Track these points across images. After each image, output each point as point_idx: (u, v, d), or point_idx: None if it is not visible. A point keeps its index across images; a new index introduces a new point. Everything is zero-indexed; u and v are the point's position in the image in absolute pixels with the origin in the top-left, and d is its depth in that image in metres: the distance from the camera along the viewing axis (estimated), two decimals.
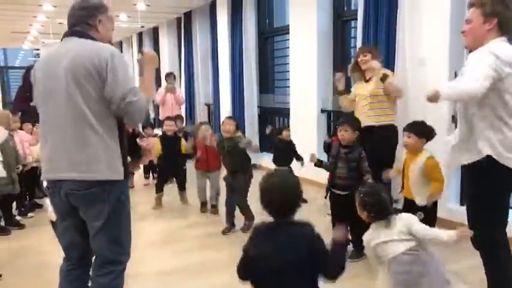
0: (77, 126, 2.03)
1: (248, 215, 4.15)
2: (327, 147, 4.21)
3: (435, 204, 3.12)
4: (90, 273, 2.25)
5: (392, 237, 2.24)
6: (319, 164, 3.64)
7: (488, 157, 2.25)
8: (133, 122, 2.18)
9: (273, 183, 1.77)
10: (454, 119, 3.69)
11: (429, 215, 2.98)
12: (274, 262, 1.65)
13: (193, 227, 4.38)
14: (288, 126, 5.56)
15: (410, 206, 3.07)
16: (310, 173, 4.96)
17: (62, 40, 2.16)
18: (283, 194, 1.74)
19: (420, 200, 3.06)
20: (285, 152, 4.88)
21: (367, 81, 3.96)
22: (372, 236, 2.32)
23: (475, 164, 2.32)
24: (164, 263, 3.50)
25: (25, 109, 5.17)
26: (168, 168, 5.13)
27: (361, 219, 3.31)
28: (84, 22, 2.14)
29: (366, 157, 3.37)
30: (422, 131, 3.14)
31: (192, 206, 5.03)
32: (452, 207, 4.04)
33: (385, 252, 2.26)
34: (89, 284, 2.27)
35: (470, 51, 2.35)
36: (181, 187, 5.22)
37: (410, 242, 2.23)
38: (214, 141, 4.37)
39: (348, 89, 4.21)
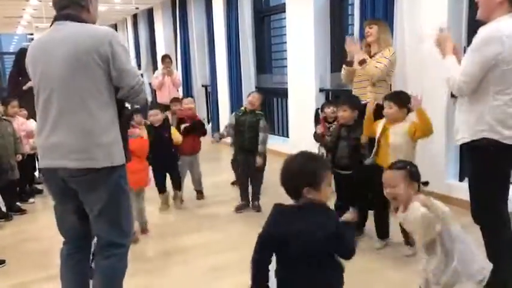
0: (77, 114, 2.01)
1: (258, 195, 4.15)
2: (320, 138, 4.19)
3: None
4: (92, 256, 2.27)
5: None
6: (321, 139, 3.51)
7: (486, 139, 2.23)
8: (140, 104, 2.28)
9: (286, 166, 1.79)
10: (452, 95, 3.67)
11: None
12: (307, 240, 1.66)
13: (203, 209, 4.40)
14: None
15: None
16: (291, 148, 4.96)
17: (52, 24, 2.10)
18: (289, 177, 1.76)
19: None
20: None
21: (371, 56, 3.88)
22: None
23: (472, 143, 2.30)
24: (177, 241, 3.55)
25: (20, 95, 5.13)
26: (161, 163, 4.17)
27: (362, 197, 3.27)
28: (76, 3, 2.10)
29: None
30: (404, 101, 3.03)
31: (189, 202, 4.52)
32: (451, 183, 4.05)
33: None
34: (93, 265, 2.29)
35: (481, 23, 2.27)
36: (177, 185, 4.39)
37: None
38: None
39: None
